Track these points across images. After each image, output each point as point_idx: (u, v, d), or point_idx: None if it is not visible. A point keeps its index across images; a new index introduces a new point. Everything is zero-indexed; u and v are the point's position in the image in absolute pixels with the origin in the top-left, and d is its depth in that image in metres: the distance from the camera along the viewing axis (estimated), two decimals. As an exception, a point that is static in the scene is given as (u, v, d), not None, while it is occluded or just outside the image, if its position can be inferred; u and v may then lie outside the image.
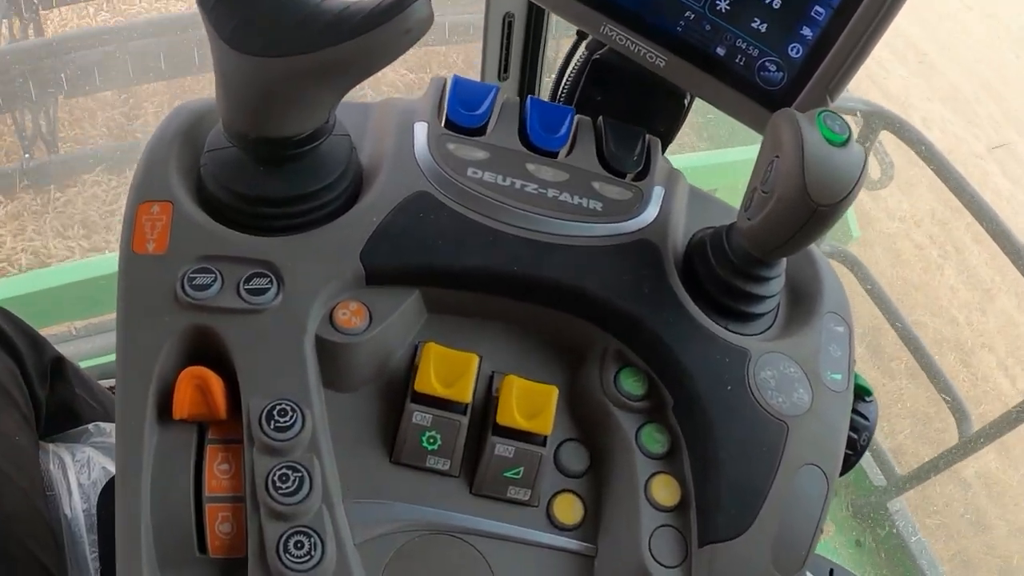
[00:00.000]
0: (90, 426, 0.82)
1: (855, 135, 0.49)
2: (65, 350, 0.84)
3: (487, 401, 0.51)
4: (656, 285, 0.52)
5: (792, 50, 0.56)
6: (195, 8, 0.45)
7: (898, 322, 2.11)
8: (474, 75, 0.81)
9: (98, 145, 2.53)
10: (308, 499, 0.43)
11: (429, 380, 0.48)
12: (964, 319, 3.25)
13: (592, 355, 0.53)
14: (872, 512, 2.15)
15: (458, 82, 0.57)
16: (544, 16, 0.96)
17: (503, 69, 0.98)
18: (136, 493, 0.45)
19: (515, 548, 0.49)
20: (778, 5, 0.55)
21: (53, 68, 2.41)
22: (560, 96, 0.71)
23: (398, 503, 0.48)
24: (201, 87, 2.58)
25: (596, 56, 0.67)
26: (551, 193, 0.54)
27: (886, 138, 2.07)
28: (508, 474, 0.49)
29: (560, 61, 0.73)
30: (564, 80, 0.71)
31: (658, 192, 0.57)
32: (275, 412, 0.45)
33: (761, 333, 0.54)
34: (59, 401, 0.82)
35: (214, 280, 0.47)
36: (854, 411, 0.54)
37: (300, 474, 0.44)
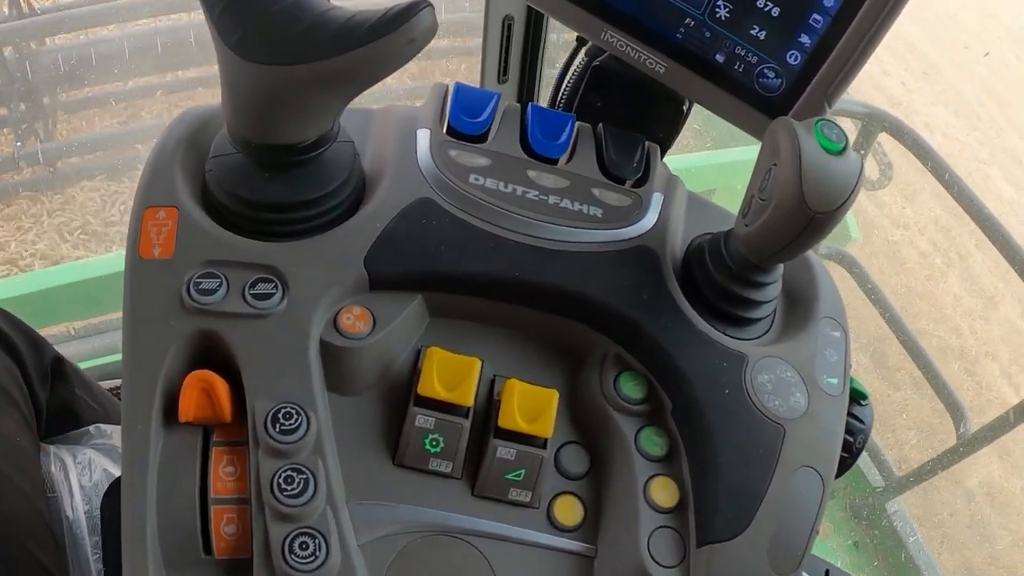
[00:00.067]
0: (91, 428, 0.82)
1: (853, 138, 0.49)
2: (64, 351, 0.85)
3: (489, 404, 0.52)
4: (655, 291, 0.53)
5: (790, 57, 0.57)
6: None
7: (895, 323, 2.12)
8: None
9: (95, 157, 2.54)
10: (313, 501, 0.44)
11: (432, 384, 0.49)
12: (968, 327, 3.26)
13: (592, 359, 0.54)
14: (870, 513, 2.16)
15: (459, 89, 0.58)
16: (544, 19, 0.97)
17: (502, 72, 0.99)
18: (142, 495, 0.45)
19: (516, 549, 0.50)
20: (777, 13, 0.56)
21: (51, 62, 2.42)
22: (560, 101, 0.71)
23: (401, 505, 0.49)
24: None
25: (596, 62, 0.67)
26: (552, 200, 0.55)
27: (885, 139, 2.08)
28: (509, 476, 0.50)
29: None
30: (564, 85, 0.71)
31: (657, 199, 0.57)
32: (280, 415, 0.45)
33: (758, 338, 0.55)
34: (60, 402, 0.82)
35: (219, 285, 0.48)
36: (849, 414, 0.55)
37: (305, 476, 0.44)
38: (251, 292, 0.48)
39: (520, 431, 0.49)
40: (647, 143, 0.61)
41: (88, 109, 2.59)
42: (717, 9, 0.57)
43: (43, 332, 0.83)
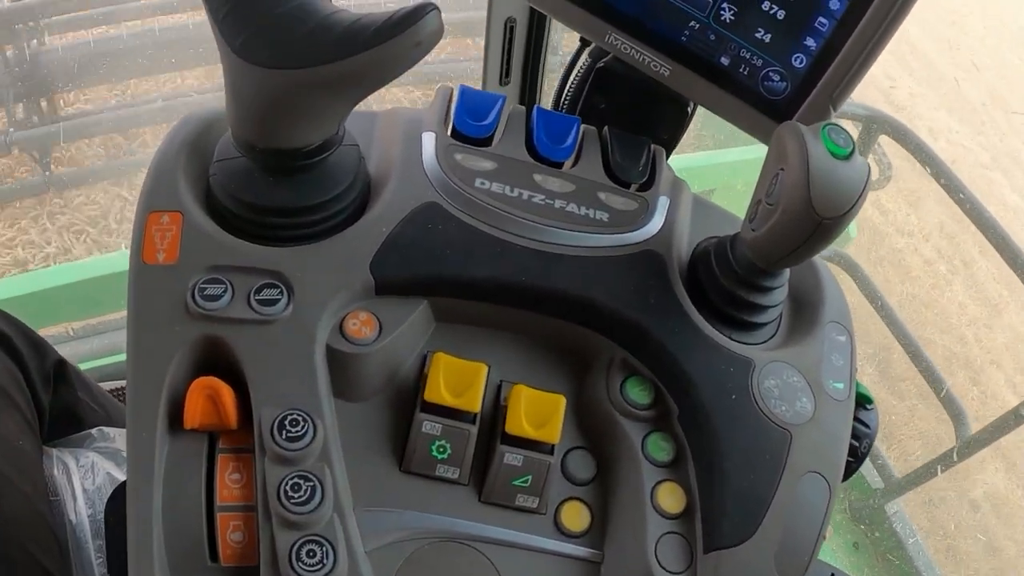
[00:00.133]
0: (94, 431, 0.82)
1: (855, 143, 0.49)
2: (62, 352, 0.85)
3: (495, 410, 0.52)
4: (661, 295, 0.53)
5: (796, 60, 0.57)
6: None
7: (892, 321, 2.12)
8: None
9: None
10: (320, 508, 0.44)
11: (438, 390, 0.48)
12: (973, 336, 3.25)
13: (599, 364, 0.53)
14: (870, 515, 2.16)
15: (464, 92, 0.58)
16: (546, 21, 0.97)
17: (504, 74, 0.98)
18: (148, 502, 0.45)
19: (523, 555, 0.50)
20: (782, 16, 0.56)
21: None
22: (563, 103, 0.71)
23: (408, 511, 0.49)
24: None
25: (600, 64, 0.67)
26: (558, 204, 0.55)
27: (886, 142, 2.08)
28: (516, 482, 0.50)
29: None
30: (567, 87, 0.71)
31: (663, 202, 0.57)
32: (286, 422, 0.45)
33: (764, 342, 0.55)
34: (62, 405, 0.82)
35: (224, 290, 0.48)
36: (855, 419, 0.54)
37: (312, 483, 0.44)
38: (256, 298, 0.48)
39: (527, 437, 0.49)
40: (653, 146, 0.61)
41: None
42: (722, 12, 0.57)
43: (42, 333, 0.82)
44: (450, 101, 0.58)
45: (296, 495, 0.44)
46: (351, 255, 0.50)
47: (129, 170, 2.49)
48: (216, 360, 0.48)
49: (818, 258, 0.59)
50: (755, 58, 0.58)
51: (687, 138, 0.72)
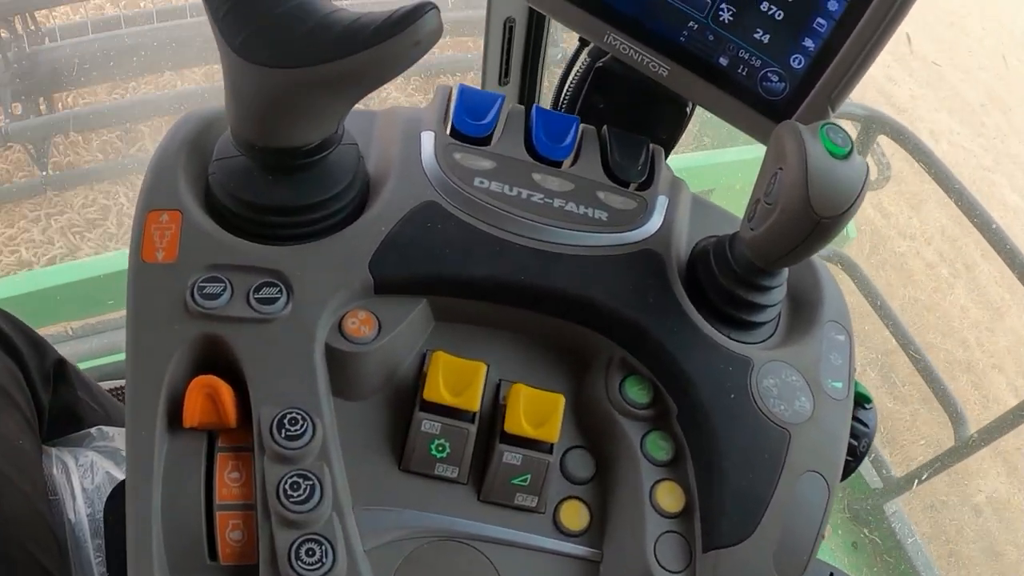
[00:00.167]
0: (93, 430, 0.82)
1: (854, 142, 0.50)
2: (61, 351, 0.85)
3: (495, 409, 0.52)
4: (660, 295, 0.53)
5: (794, 61, 0.57)
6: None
7: (890, 320, 2.13)
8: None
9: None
10: (319, 507, 0.44)
11: (437, 389, 0.48)
12: (975, 340, 3.24)
13: (598, 364, 0.53)
14: (869, 514, 2.16)
15: (464, 91, 0.58)
16: (545, 21, 0.97)
17: (503, 74, 0.99)
18: (147, 500, 0.45)
19: (522, 554, 0.50)
20: (780, 17, 0.56)
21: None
22: (562, 103, 0.71)
23: (407, 510, 0.49)
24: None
25: (599, 64, 0.67)
26: (557, 203, 0.55)
27: (885, 142, 2.08)
28: (515, 481, 0.50)
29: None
30: (566, 87, 0.71)
31: (662, 202, 0.57)
32: (286, 420, 0.45)
33: (763, 342, 0.55)
34: (62, 404, 0.82)
35: (224, 289, 0.48)
36: (854, 418, 0.54)
37: (311, 482, 0.44)
38: (256, 296, 0.48)
39: (526, 436, 0.49)
40: (652, 146, 0.61)
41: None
42: (721, 12, 0.57)
43: (41, 332, 0.82)
44: (449, 100, 0.58)
45: (295, 494, 0.44)
46: (350, 254, 0.50)
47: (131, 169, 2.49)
48: (215, 359, 0.48)
49: (817, 258, 0.59)
50: (754, 58, 0.58)
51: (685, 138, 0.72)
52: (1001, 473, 2.75)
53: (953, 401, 1.99)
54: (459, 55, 2.73)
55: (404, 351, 0.51)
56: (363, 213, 0.52)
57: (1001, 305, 3.42)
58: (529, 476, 0.50)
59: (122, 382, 1.09)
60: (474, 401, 0.49)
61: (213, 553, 0.46)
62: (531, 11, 0.95)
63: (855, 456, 0.55)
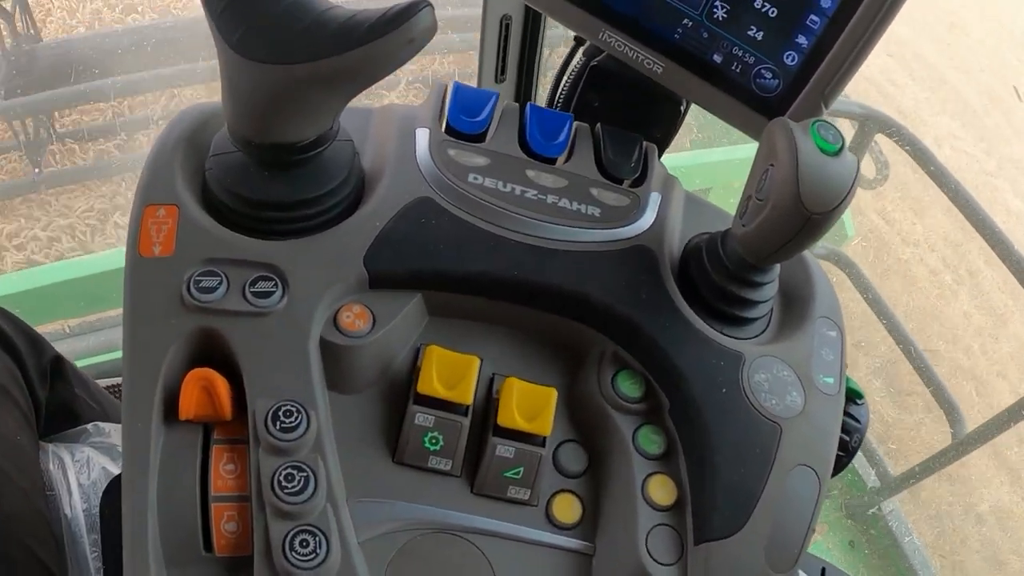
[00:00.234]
0: (89, 426, 0.82)
1: (850, 139, 0.50)
2: (59, 348, 0.85)
3: (488, 403, 0.52)
4: (653, 290, 0.53)
5: (787, 58, 0.57)
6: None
7: (888, 321, 2.13)
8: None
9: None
10: (313, 498, 0.44)
11: (431, 382, 0.49)
12: (978, 347, 3.23)
13: (590, 358, 0.54)
14: (866, 513, 2.16)
15: (459, 88, 0.58)
16: (541, 18, 0.97)
17: (500, 71, 0.99)
18: (143, 493, 0.45)
19: (515, 546, 0.50)
20: (774, 14, 0.56)
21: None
22: (557, 101, 0.72)
23: (400, 502, 0.49)
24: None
25: (594, 62, 0.68)
26: (550, 199, 0.55)
27: (885, 143, 2.08)
28: (508, 474, 0.50)
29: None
30: (561, 85, 0.72)
31: (655, 198, 0.58)
32: (280, 413, 0.46)
33: (755, 337, 0.55)
34: (59, 401, 0.82)
35: (220, 283, 0.48)
36: (846, 413, 0.55)
37: (305, 474, 0.45)
38: (251, 290, 0.48)
39: (519, 429, 0.49)
40: (645, 143, 0.61)
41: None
42: (715, 10, 0.57)
43: (38, 330, 0.83)
44: (444, 98, 0.59)
45: (289, 485, 0.44)
46: (345, 249, 0.50)
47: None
48: (211, 352, 0.48)
49: (809, 254, 0.59)
50: (747, 55, 0.58)
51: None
52: (1004, 482, 2.75)
53: (949, 398, 1.99)
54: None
55: (398, 345, 0.52)
56: (358, 209, 0.52)
57: (1005, 312, 3.42)
58: (522, 469, 0.50)
59: (119, 379, 1.09)
60: (467, 394, 0.49)
61: (208, 545, 0.46)
62: (527, 8, 0.95)
63: (847, 451, 0.56)
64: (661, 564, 0.49)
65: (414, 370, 0.51)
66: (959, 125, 4.24)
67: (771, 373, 0.53)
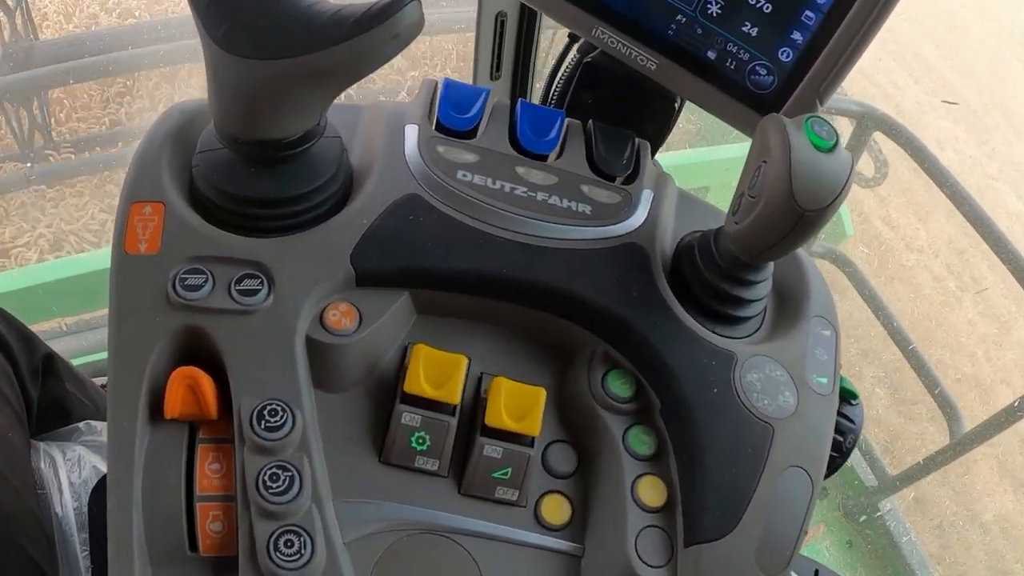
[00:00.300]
0: (81, 424, 0.82)
1: (847, 137, 0.49)
2: (55, 347, 0.84)
3: (476, 402, 0.52)
4: (644, 288, 0.53)
5: (782, 54, 0.57)
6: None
7: (885, 318, 2.13)
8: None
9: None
10: (298, 498, 0.44)
11: (418, 381, 0.48)
12: (983, 354, 3.24)
13: (580, 357, 0.53)
14: (863, 513, 2.16)
15: (449, 85, 0.58)
16: (536, 16, 0.96)
17: (495, 68, 0.98)
18: (128, 492, 0.45)
19: (503, 548, 0.50)
20: (768, 10, 0.56)
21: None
22: (552, 98, 0.71)
23: (387, 503, 0.49)
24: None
25: (587, 59, 0.67)
26: (540, 196, 0.54)
27: (886, 143, 2.08)
28: (496, 474, 0.50)
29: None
30: (555, 82, 0.71)
31: (647, 196, 0.57)
32: (266, 412, 0.45)
33: (748, 336, 0.55)
34: (50, 399, 0.82)
35: (205, 281, 0.48)
36: (840, 414, 0.54)
37: (290, 473, 0.44)
38: (237, 288, 0.48)
39: (507, 429, 0.49)
40: (637, 140, 0.61)
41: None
42: (709, 6, 0.57)
43: (34, 328, 0.82)
44: (434, 94, 0.58)
45: (274, 485, 0.44)
46: (332, 246, 0.50)
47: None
48: (197, 350, 0.48)
49: (803, 252, 0.58)
50: (742, 52, 0.58)
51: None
52: (1008, 491, 2.75)
53: (947, 396, 1.98)
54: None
55: (385, 343, 0.51)
56: (346, 206, 0.52)
57: (1008, 319, 3.42)
58: (510, 469, 0.50)
59: (113, 377, 1.09)
60: (455, 394, 0.49)
61: (193, 544, 0.46)
62: (522, 6, 0.95)
63: (840, 452, 0.55)
64: (651, 566, 0.48)
65: (401, 369, 0.50)
66: (961, 128, 4.25)
67: (763, 373, 0.52)
